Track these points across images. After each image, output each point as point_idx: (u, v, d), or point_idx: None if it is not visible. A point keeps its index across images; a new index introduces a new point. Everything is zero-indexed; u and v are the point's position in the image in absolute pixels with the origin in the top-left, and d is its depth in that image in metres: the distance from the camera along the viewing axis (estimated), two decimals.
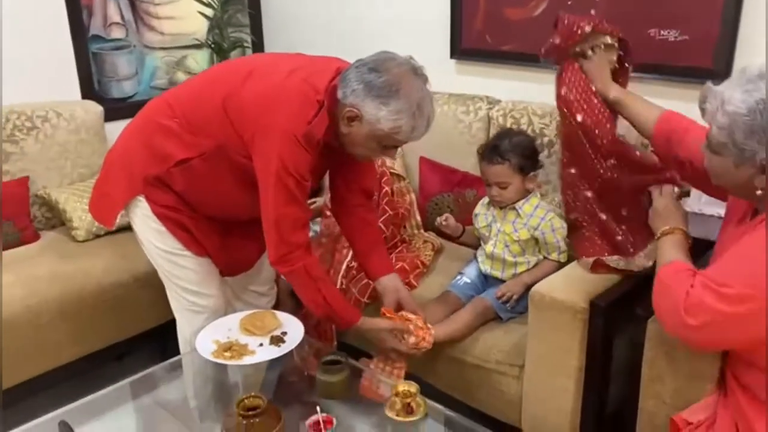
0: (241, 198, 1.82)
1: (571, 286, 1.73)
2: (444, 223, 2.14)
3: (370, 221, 2.02)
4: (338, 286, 2.20)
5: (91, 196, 1.98)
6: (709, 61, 2.07)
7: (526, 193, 2.00)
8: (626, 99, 1.68)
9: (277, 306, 2.21)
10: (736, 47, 2.04)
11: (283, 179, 1.65)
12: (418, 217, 2.54)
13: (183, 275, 1.90)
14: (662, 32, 2.16)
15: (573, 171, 1.72)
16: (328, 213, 2.31)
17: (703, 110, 1.29)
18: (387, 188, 2.40)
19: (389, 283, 1.93)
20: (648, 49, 2.19)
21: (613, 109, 1.68)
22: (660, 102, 2.20)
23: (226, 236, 1.94)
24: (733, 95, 1.21)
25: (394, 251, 2.36)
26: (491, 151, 1.97)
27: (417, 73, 1.63)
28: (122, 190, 1.85)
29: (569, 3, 2.33)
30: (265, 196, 1.70)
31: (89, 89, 2.88)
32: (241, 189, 1.79)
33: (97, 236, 2.52)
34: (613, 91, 1.68)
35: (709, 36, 2.06)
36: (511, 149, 1.94)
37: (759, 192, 1.25)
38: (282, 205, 1.69)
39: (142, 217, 1.85)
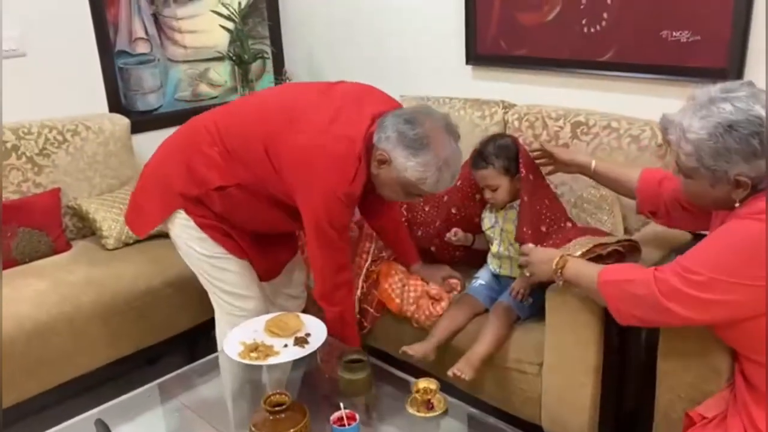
0: (279, 218, 1.91)
1: None
2: (454, 238, 2.17)
3: (393, 218, 2.18)
4: (359, 290, 2.25)
5: (128, 206, 2.06)
6: (722, 61, 2.10)
7: (518, 192, 2.02)
8: (603, 167, 1.89)
9: (306, 308, 2.27)
10: (747, 46, 2.06)
11: (325, 231, 1.78)
12: None
13: (226, 278, 1.98)
14: (674, 33, 2.19)
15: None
16: None
17: (668, 141, 1.37)
18: None
19: (421, 270, 2.21)
20: (661, 50, 2.22)
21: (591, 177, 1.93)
22: (674, 102, 2.23)
23: (262, 243, 2.02)
24: (692, 123, 1.30)
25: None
26: (477, 156, 2.03)
27: (449, 130, 1.72)
28: (159, 206, 1.94)
29: (582, 7, 2.37)
30: (311, 243, 1.83)
31: (116, 103, 2.98)
32: (278, 211, 1.88)
33: (127, 244, 2.60)
34: (592, 163, 1.89)
35: (721, 36, 2.08)
36: (494, 153, 1.99)
37: (737, 205, 1.33)
38: (326, 253, 1.82)
39: (182, 226, 1.93)
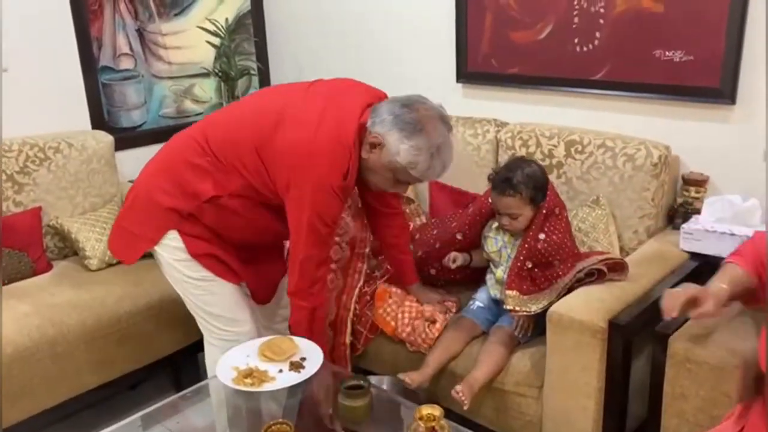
0: (271, 226, 1.89)
1: (590, 305, 1.74)
2: (453, 265, 2.12)
3: (397, 225, 2.14)
4: (351, 310, 2.20)
5: (111, 233, 1.99)
6: (715, 81, 2.11)
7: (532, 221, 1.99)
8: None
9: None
10: (740, 66, 2.07)
11: (315, 227, 1.75)
12: None
13: (216, 301, 1.92)
14: (667, 53, 2.20)
15: None
16: (337, 239, 2.31)
17: None
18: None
19: (417, 291, 2.19)
20: (654, 69, 2.23)
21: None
22: (667, 122, 2.26)
23: (254, 262, 1.97)
24: None
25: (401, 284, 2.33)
26: (503, 182, 1.94)
27: (444, 119, 1.73)
28: (151, 228, 1.87)
29: (574, 26, 2.38)
30: (296, 240, 1.79)
31: (99, 119, 2.91)
32: (273, 217, 1.86)
33: (110, 265, 2.52)
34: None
35: (714, 56, 2.10)
36: (523, 181, 1.92)
37: None
38: (311, 247, 1.78)
39: (172, 249, 1.87)
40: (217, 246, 1.89)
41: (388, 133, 1.69)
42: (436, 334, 2.04)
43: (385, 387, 2.00)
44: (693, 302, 1.38)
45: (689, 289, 1.41)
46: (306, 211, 1.73)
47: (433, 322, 2.06)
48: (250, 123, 1.81)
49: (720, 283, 1.41)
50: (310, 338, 1.85)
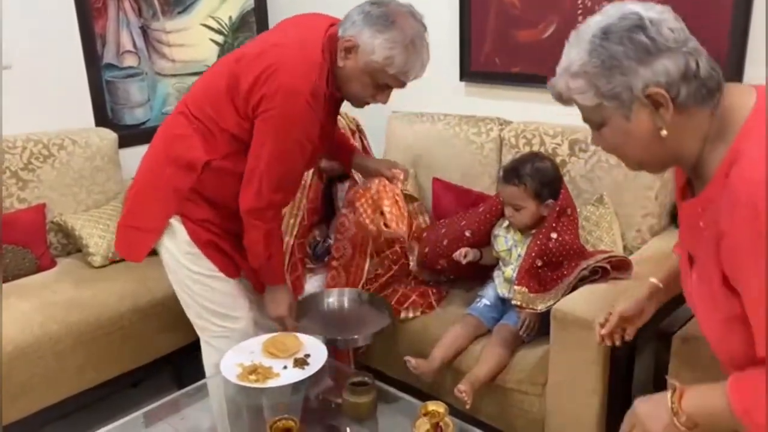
0: None
1: (594, 303, 1.74)
2: (464, 260, 2.11)
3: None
4: None
5: (116, 234, 1.97)
6: None
7: (542, 220, 1.98)
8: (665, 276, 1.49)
9: None
10: (745, 61, 2.07)
11: (282, 138, 1.72)
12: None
13: (215, 298, 1.91)
14: None
15: None
16: (339, 236, 2.31)
17: (563, 100, 1.14)
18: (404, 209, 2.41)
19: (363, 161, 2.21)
20: None
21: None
22: None
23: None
24: (571, 58, 1.10)
25: (404, 282, 2.35)
26: (510, 171, 1.96)
27: (415, 16, 1.74)
28: (155, 218, 1.86)
29: (578, 24, 2.37)
30: (257, 151, 1.74)
31: (103, 116, 2.91)
32: None
33: (113, 262, 2.52)
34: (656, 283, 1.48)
35: (719, 50, 2.09)
36: (530, 174, 1.93)
37: (664, 132, 1.06)
38: (274, 161, 1.73)
39: (177, 242, 1.86)
40: (219, 233, 1.87)
41: (360, 32, 1.69)
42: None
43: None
44: (625, 321, 1.47)
45: (614, 316, 1.47)
46: (275, 122, 1.70)
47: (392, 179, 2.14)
48: (221, 73, 1.79)
49: (652, 279, 1.46)
50: (268, 259, 1.83)
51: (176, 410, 1.80)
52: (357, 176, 2.30)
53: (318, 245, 2.43)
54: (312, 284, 2.34)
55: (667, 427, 1.13)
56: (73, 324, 2.20)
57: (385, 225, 2.19)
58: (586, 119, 1.14)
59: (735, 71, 2.07)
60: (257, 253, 1.84)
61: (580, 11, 2.36)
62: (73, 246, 2.62)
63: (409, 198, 2.53)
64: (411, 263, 2.35)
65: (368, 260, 2.31)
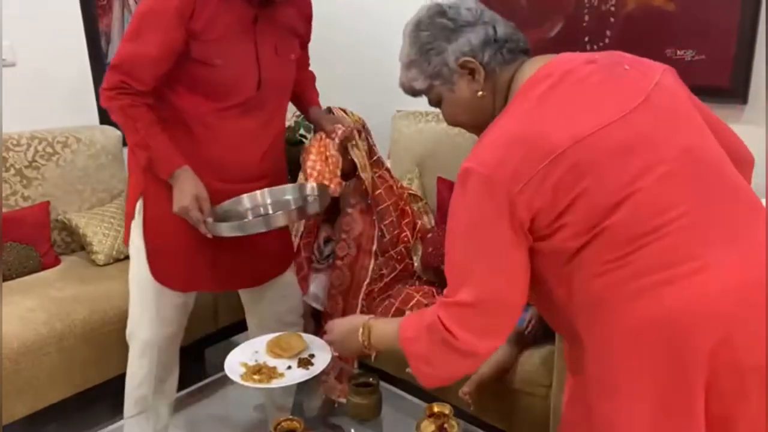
0: (236, 126, 1.80)
1: None
2: None
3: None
4: (359, 308, 2.20)
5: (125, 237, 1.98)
6: (726, 81, 2.09)
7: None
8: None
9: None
10: (752, 66, 2.06)
11: (134, 23, 1.66)
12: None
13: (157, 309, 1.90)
14: (678, 52, 2.19)
15: None
16: (344, 235, 2.30)
17: (410, 93, 1.32)
18: (407, 209, 2.40)
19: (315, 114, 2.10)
20: None
21: None
22: None
23: (217, 248, 1.85)
24: (401, 53, 1.30)
25: (409, 282, 2.33)
26: None
27: None
28: (131, 204, 1.86)
29: (584, 24, 2.37)
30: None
31: (107, 114, 2.89)
32: (230, 118, 1.79)
33: (117, 260, 2.53)
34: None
35: (726, 55, 2.08)
36: None
37: (480, 93, 1.22)
38: (126, 42, 1.67)
39: (136, 245, 1.86)
40: (177, 234, 1.79)
41: None
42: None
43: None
44: None
45: None
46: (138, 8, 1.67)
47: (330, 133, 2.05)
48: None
49: None
50: (145, 147, 1.73)
51: (182, 408, 1.80)
52: (363, 174, 2.29)
53: (323, 245, 2.42)
54: (317, 284, 2.34)
55: (354, 345, 1.41)
56: (78, 321, 2.20)
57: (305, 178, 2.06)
58: (430, 102, 1.31)
59: (743, 74, 2.06)
60: (135, 144, 1.75)
61: (586, 11, 2.35)
62: (76, 244, 2.62)
63: (413, 198, 2.53)
64: (415, 263, 2.35)
65: (372, 260, 2.30)
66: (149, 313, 1.89)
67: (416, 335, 1.22)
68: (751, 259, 1.06)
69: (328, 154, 2.04)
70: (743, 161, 1.29)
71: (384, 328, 1.37)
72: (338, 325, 1.50)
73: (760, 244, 1.08)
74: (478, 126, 1.25)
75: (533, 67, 1.18)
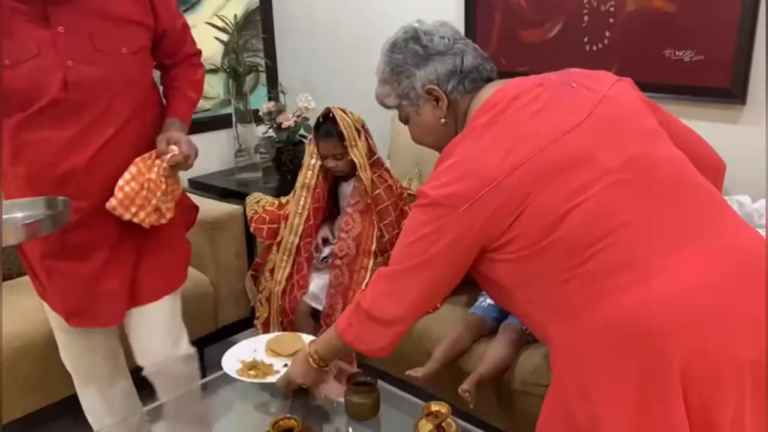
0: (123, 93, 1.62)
1: None
2: None
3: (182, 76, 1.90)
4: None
5: None
6: (726, 81, 2.10)
7: None
8: None
9: (295, 328, 2.21)
10: (751, 66, 2.06)
11: None
12: None
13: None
14: (678, 53, 2.19)
15: None
16: (344, 235, 2.31)
17: (383, 105, 1.41)
18: (407, 209, 2.41)
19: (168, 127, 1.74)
20: (664, 69, 2.22)
21: None
22: None
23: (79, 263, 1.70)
24: (378, 69, 1.39)
25: None
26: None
27: None
28: None
29: (584, 25, 2.37)
30: None
31: None
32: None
33: None
34: None
35: (725, 56, 2.09)
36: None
37: (443, 120, 1.32)
38: None
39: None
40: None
41: None
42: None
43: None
44: None
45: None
46: None
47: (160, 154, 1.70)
48: None
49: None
50: None
51: (181, 407, 1.80)
52: (362, 175, 2.29)
53: (323, 245, 2.42)
54: (316, 284, 2.34)
55: (311, 372, 1.53)
56: None
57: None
58: (400, 119, 1.40)
59: (742, 74, 2.07)
60: None
61: (586, 11, 2.36)
62: None
63: (413, 198, 2.52)
64: None
65: (372, 260, 2.31)
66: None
67: (348, 322, 1.38)
68: (708, 259, 1.09)
69: (147, 177, 1.68)
70: (713, 167, 1.35)
71: (325, 338, 1.51)
72: (294, 369, 1.57)
73: (725, 243, 1.12)
74: (440, 149, 1.32)
75: (486, 94, 1.26)
